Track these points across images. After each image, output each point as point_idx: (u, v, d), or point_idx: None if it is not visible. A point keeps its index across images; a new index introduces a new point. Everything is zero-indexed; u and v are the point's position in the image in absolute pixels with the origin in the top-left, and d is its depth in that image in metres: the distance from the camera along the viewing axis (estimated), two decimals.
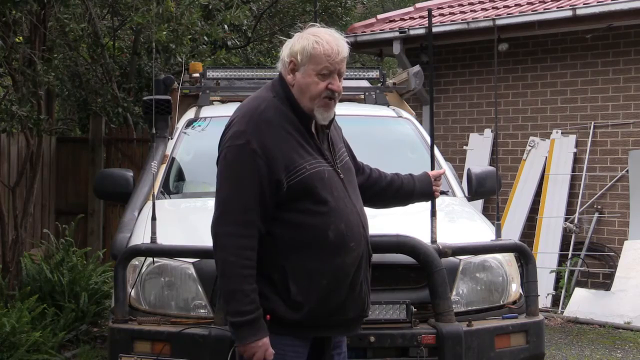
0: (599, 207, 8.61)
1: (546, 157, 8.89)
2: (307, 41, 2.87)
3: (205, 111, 5.61)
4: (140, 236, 4.00)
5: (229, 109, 5.69)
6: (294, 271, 2.81)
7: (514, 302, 4.06)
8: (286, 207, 2.81)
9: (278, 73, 3.03)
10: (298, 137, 2.86)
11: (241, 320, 2.76)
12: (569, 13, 8.35)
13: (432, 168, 3.97)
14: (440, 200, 4.00)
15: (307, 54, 2.86)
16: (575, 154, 8.76)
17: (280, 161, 2.79)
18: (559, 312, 8.00)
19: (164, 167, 5.01)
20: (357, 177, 3.18)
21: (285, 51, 2.93)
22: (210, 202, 4.80)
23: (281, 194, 2.79)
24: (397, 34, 9.69)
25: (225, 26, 9.39)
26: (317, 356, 2.98)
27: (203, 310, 3.80)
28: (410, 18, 10.35)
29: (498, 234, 4.02)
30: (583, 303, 7.76)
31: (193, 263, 3.80)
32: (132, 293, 3.89)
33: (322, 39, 2.87)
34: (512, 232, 8.56)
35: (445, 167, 5.25)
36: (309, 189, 2.81)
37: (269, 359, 2.80)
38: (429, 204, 3.83)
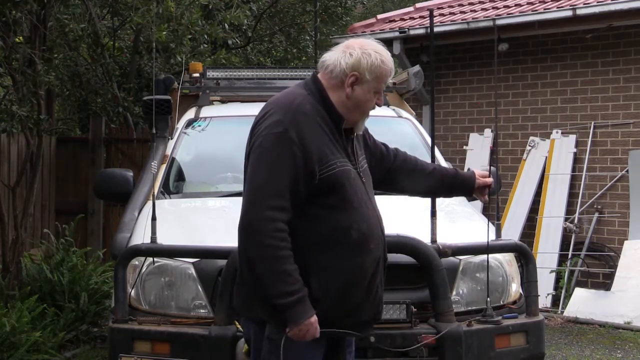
0: (599, 207, 8.60)
1: (546, 157, 8.88)
2: (374, 59, 2.90)
3: (205, 111, 5.62)
4: (140, 236, 4.01)
5: (229, 109, 5.76)
6: (314, 267, 2.81)
7: (514, 302, 4.07)
8: (313, 201, 2.83)
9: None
10: (329, 134, 2.89)
11: (291, 300, 2.74)
12: (569, 13, 8.35)
13: None
14: (440, 200, 4.01)
15: (375, 72, 2.91)
16: (575, 154, 8.76)
17: (314, 153, 2.81)
18: (559, 312, 8.00)
19: (164, 167, 5.01)
20: (384, 162, 3.32)
21: (343, 62, 2.91)
22: (211, 202, 4.86)
23: (312, 186, 2.80)
24: (397, 34, 9.69)
25: (226, 25, 9.39)
26: (330, 355, 2.98)
27: (203, 310, 3.80)
28: (410, 18, 10.35)
29: (498, 234, 4.02)
30: (583, 303, 7.75)
31: (193, 263, 3.80)
32: (132, 293, 3.89)
33: (386, 59, 2.94)
34: (512, 232, 8.56)
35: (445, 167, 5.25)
36: (338, 185, 2.84)
37: (317, 336, 2.81)
38: (429, 203, 3.83)
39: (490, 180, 3.45)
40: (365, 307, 2.92)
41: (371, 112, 3.05)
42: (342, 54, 2.93)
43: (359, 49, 2.92)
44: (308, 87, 2.97)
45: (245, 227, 2.79)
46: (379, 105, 3.03)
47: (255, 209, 2.77)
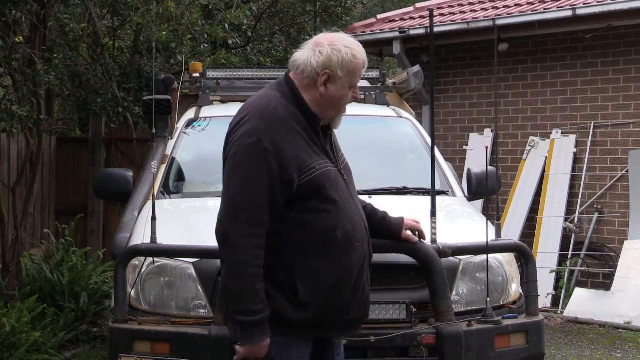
0: (599, 207, 8.61)
1: (546, 157, 8.89)
2: (345, 55, 2.86)
3: (205, 111, 5.61)
4: (140, 236, 4.00)
5: (229, 109, 5.73)
6: (301, 271, 2.79)
7: (514, 302, 4.06)
8: (295, 206, 2.80)
9: (284, 73, 3.02)
10: (306, 137, 2.85)
11: (253, 320, 2.74)
12: (569, 13, 8.35)
13: (433, 168, 3.98)
14: (440, 200, 4.01)
15: (347, 68, 2.86)
16: (575, 154, 8.77)
17: (291, 160, 2.77)
18: (559, 312, 8.00)
19: (164, 167, 5.01)
20: None
21: (313, 61, 2.87)
22: (211, 202, 4.85)
23: (291, 193, 2.78)
24: (397, 34, 9.69)
25: (226, 25, 9.39)
26: (318, 356, 2.97)
27: (203, 310, 3.80)
28: (410, 18, 10.35)
29: (498, 234, 4.01)
30: (583, 303, 7.75)
31: (193, 263, 3.80)
32: (132, 293, 3.89)
33: (357, 52, 2.89)
34: (512, 232, 8.56)
35: (445, 167, 5.26)
36: (319, 188, 2.81)
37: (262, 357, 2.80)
38: (429, 204, 3.83)
39: (415, 239, 3.38)
40: (352, 306, 2.90)
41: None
42: (311, 53, 2.88)
43: (328, 46, 2.87)
44: (281, 88, 2.92)
45: (221, 239, 2.78)
46: (356, 99, 2.99)
47: (230, 222, 2.75)
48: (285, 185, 2.77)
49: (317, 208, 2.81)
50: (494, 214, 4.25)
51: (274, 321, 2.79)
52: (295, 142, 2.81)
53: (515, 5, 9.18)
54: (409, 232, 3.37)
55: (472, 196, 5.04)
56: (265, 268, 2.78)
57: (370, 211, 3.32)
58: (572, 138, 8.79)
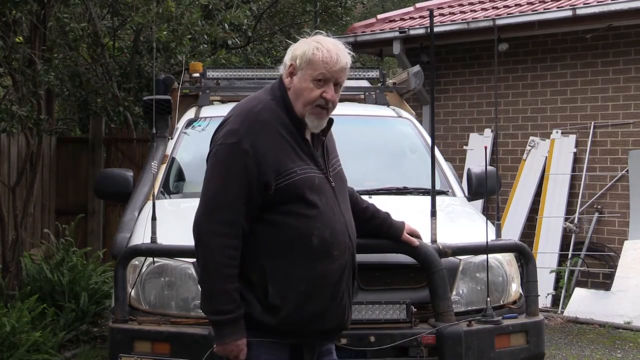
0: (599, 207, 8.61)
1: (546, 157, 8.89)
2: (308, 46, 2.87)
3: (205, 111, 5.61)
4: (140, 236, 4.00)
5: (229, 109, 5.75)
6: (273, 273, 2.77)
7: (514, 302, 4.07)
8: (272, 208, 2.79)
9: (279, 75, 3.02)
10: (291, 141, 2.83)
11: (223, 319, 2.75)
12: (569, 13, 8.36)
13: (433, 168, 3.98)
14: (440, 200, 4.01)
15: (306, 58, 2.85)
16: (575, 154, 8.77)
17: (270, 163, 2.77)
18: (559, 312, 8.00)
19: (164, 167, 5.01)
20: None
21: (287, 54, 2.93)
22: None
23: (268, 196, 2.77)
24: (397, 34, 9.69)
25: (226, 25, 9.40)
26: None
27: None
28: (410, 18, 10.35)
29: (498, 234, 4.01)
30: (583, 303, 7.76)
31: (193, 263, 3.80)
32: (132, 293, 3.89)
33: (323, 46, 2.86)
34: (512, 232, 8.56)
35: (445, 167, 5.26)
36: (297, 193, 2.79)
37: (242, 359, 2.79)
38: (429, 204, 3.83)
39: (416, 242, 3.46)
40: (328, 315, 2.84)
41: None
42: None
43: (301, 41, 2.92)
44: (273, 92, 2.94)
45: (196, 238, 2.79)
46: (328, 98, 2.86)
47: (205, 221, 2.76)
48: (262, 188, 2.76)
49: (295, 212, 2.78)
50: (494, 214, 4.25)
51: (246, 322, 2.78)
52: (277, 145, 2.80)
53: (515, 5, 9.18)
54: (409, 236, 3.42)
55: (472, 196, 5.04)
56: (239, 267, 2.77)
57: (372, 212, 3.34)
58: (572, 138, 8.79)
